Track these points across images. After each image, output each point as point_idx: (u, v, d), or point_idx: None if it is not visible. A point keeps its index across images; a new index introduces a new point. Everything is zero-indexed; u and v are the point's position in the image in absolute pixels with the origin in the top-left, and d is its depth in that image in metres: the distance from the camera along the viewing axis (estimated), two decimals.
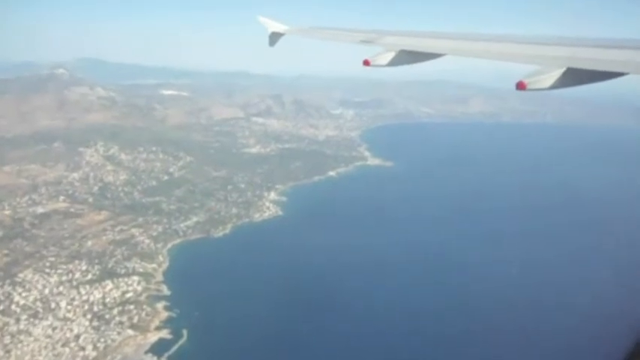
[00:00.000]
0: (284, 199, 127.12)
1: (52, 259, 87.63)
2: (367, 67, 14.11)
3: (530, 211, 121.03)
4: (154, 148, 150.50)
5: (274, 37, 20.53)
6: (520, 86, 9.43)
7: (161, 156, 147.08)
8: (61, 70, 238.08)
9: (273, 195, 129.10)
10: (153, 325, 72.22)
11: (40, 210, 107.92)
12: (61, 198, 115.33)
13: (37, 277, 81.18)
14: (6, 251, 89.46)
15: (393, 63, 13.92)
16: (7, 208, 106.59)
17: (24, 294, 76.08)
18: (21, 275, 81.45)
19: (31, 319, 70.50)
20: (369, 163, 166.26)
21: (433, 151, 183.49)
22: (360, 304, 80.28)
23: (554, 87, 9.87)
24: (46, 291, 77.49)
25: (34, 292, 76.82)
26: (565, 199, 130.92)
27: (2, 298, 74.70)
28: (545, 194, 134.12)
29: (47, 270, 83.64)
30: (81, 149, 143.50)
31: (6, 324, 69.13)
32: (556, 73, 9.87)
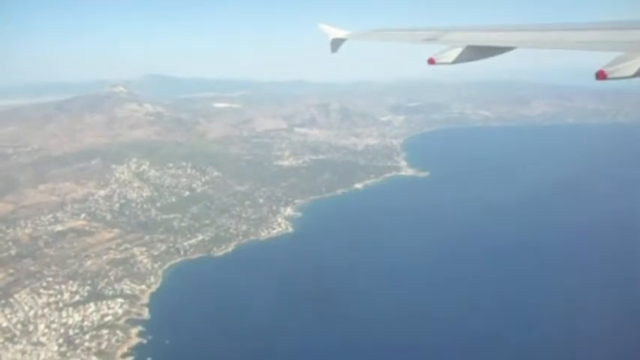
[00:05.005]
0: (299, 214, 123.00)
1: (50, 279, 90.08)
2: (431, 68, 13.76)
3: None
4: (183, 163, 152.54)
5: (336, 44, 20.45)
6: (600, 76, 8.89)
7: (189, 171, 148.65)
8: (120, 88, 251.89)
9: (289, 210, 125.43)
10: (120, 352, 71.07)
11: (58, 228, 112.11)
12: (82, 216, 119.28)
13: (28, 298, 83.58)
14: (12, 270, 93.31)
15: (459, 60, 13.32)
16: (29, 226, 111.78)
17: (9, 316, 78.34)
18: (16, 296, 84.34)
19: (6, 343, 72.02)
20: (402, 173, 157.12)
21: (476, 159, 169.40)
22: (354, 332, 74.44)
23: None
24: (31, 313, 79.25)
25: (20, 314, 78.85)
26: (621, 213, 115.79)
27: None
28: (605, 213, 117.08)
29: (41, 291, 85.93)
30: (114, 166, 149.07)
31: None
32: None
